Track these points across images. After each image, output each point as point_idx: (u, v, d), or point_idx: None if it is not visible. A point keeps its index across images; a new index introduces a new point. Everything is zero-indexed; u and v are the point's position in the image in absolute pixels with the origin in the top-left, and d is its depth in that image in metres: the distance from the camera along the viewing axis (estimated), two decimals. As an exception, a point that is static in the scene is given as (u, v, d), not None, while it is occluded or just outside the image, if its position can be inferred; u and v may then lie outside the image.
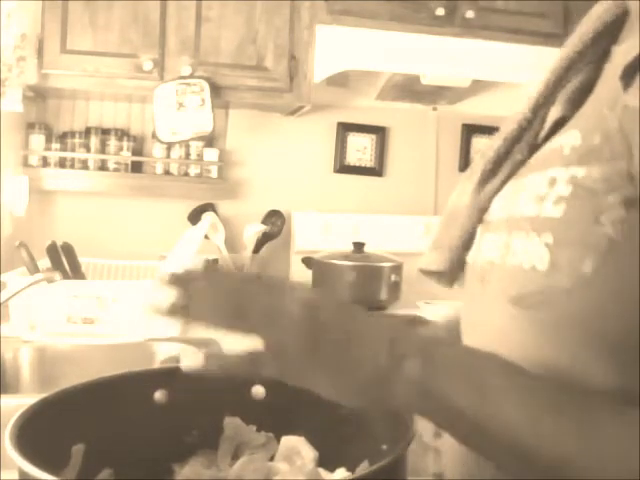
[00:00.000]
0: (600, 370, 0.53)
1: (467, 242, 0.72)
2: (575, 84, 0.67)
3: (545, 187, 0.59)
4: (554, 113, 0.68)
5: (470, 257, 0.71)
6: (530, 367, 0.54)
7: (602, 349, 0.53)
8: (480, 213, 0.71)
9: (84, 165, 2.33)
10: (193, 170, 2.40)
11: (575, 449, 0.50)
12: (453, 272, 0.74)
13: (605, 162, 0.54)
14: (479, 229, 0.70)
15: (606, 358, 0.52)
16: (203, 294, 0.55)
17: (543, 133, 0.68)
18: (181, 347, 1.61)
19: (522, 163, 0.68)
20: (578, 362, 0.54)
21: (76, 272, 1.92)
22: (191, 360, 0.55)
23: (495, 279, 0.64)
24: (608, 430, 0.50)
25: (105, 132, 2.35)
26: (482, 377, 0.53)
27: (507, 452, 0.52)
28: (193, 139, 2.21)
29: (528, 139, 0.69)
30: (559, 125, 0.65)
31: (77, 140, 2.32)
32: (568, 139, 0.60)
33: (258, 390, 0.70)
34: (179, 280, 0.56)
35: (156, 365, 1.45)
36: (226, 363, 0.55)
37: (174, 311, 0.55)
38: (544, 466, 0.51)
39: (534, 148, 0.67)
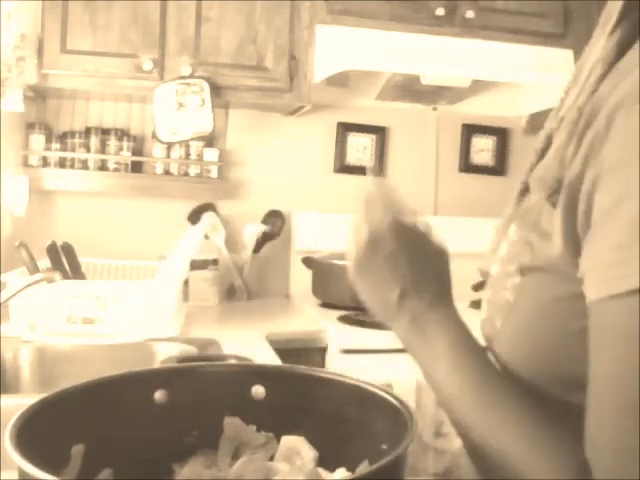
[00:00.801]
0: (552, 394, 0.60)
1: None
2: None
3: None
4: None
5: None
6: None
7: (543, 382, 0.60)
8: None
9: (84, 165, 2.33)
10: (193, 170, 2.40)
11: (483, 433, 0.59)
12: None
13: (525, 227, 0.63)
14: None
15: (548, 388, 0.60)
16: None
17: None
18: (181, 347, 1.61)
19: None
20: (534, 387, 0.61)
21: (76, 272, 1.92)
22: None
23: None
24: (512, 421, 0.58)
25: (105, 132, 2.35)
26: (461, 366, 0.62)
27: (461, 432, 0.62)
28: (193, 139, 2.21)
29: None
30: None
31: (77, 140, 2.32)
32: None
33: (258, 390, 0.70)
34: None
35: (156, 365, 1.45)
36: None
37: None
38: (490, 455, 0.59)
39: None
